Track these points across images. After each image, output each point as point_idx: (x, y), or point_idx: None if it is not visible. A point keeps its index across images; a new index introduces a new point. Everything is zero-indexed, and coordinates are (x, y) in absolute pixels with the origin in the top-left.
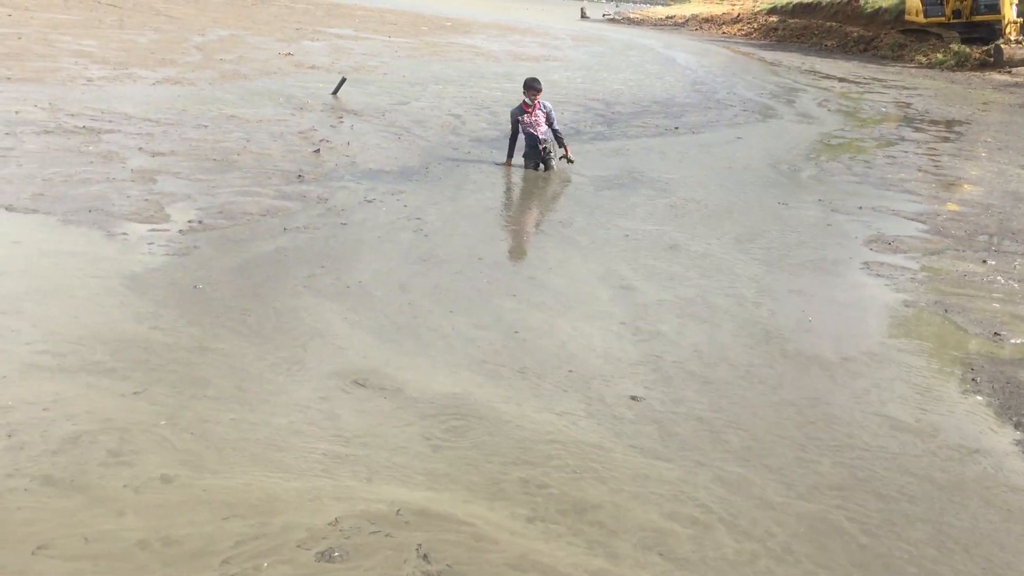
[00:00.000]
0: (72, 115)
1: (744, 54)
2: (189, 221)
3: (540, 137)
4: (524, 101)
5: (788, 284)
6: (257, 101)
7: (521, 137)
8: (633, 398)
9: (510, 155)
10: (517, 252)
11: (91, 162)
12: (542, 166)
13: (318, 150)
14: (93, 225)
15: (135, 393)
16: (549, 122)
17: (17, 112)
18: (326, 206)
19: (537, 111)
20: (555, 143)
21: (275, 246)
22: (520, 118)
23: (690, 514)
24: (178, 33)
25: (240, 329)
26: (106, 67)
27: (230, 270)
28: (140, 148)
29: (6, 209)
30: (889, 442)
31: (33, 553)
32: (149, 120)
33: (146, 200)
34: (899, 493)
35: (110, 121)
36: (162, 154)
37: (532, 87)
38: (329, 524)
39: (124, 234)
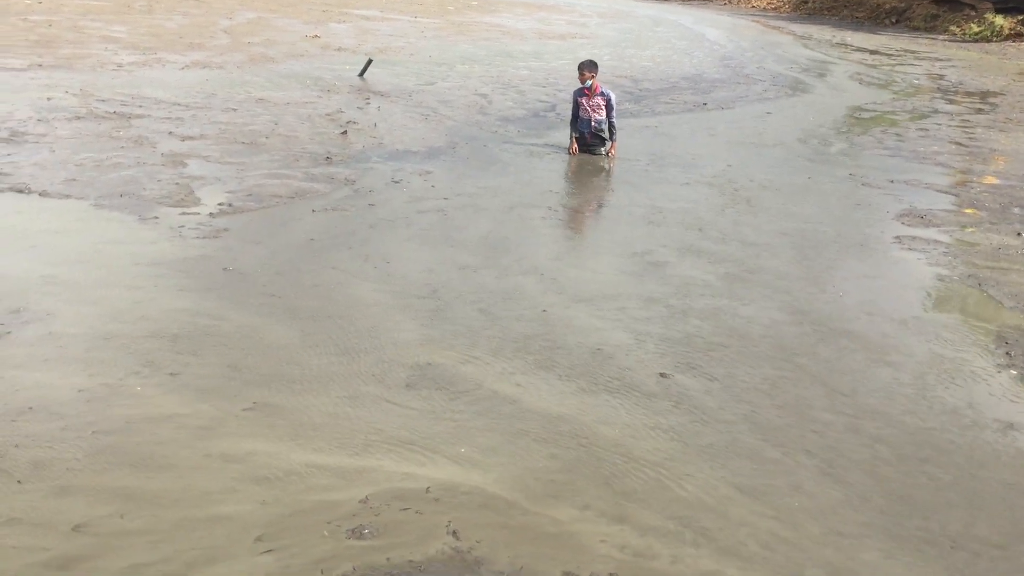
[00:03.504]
0: (103, 100)
1: (774, 28)
2: (219, 204)
3: (592, 125)
4: (583, 84)
5: (820, 259)
6: (285, 84)
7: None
8: (662, 375)
9: (571, 135)
10: (545, 231)
11: (122, 147)
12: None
13: (345, 132)
14: (125, 209)
15: (172, 375)
16: (608, 113)
17: (49, 98)
18: (354, 188)
19: (597, 96)
20: (606, 134)
21: (304, 228)
22: (580, 100)
23: (723, 493)
24: (206, 17)
25: (279, 314)
26: (135, 52)
27: (261, 253)
28: (170, 132)
29: (40, 195)
30: (922, 416)
31: (74, 529)
32: (178, 104)
33: (176, 184)
34: (931, 467)
35: (140, 106)
36: (192, 138)
37: (580, 70)
38: (360, 502)
39: (156, 218)
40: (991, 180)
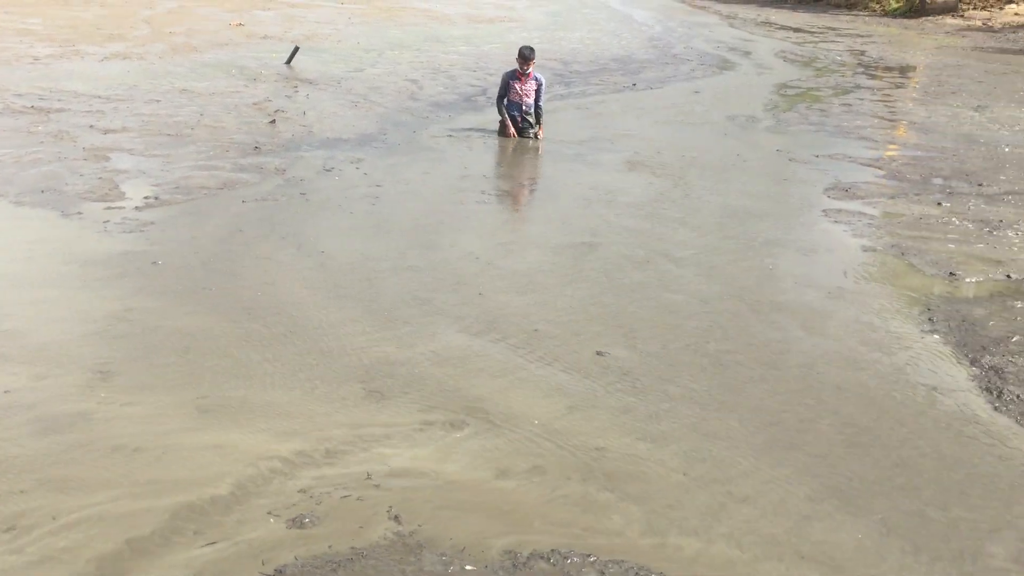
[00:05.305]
0: (19, 95)
1: (700, 8)
2: (145, 198)
3: (523, 109)
4: (517, 68)
5: (749, 234)
6: (209, 73)
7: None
8: (599, 353)
9: (502, 114)
10: (479, 215)
11: (41, 142)
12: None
13: (274, 121)
14: (47, 206)
15: (102, 373)
16: (537, 96)
17: None
18: (284, 177)
19: (530, 81)
20: (534, 117)
21: (235, 220)
22: (512, 83)
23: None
24: (124, 7)
25: (213, 309)
26: (52, 45)
27: (191, 246)
28: (91, 126)
29: None
30: (851, 381)
31: (8, 530)
32: (99, 97)
33: (100, 178)
34: (861, 429)
35: (59, 100)
36: (114, 131)
37: (521, 55)
38: (299, 491)
39: (79, 214)
40: (912, 152)
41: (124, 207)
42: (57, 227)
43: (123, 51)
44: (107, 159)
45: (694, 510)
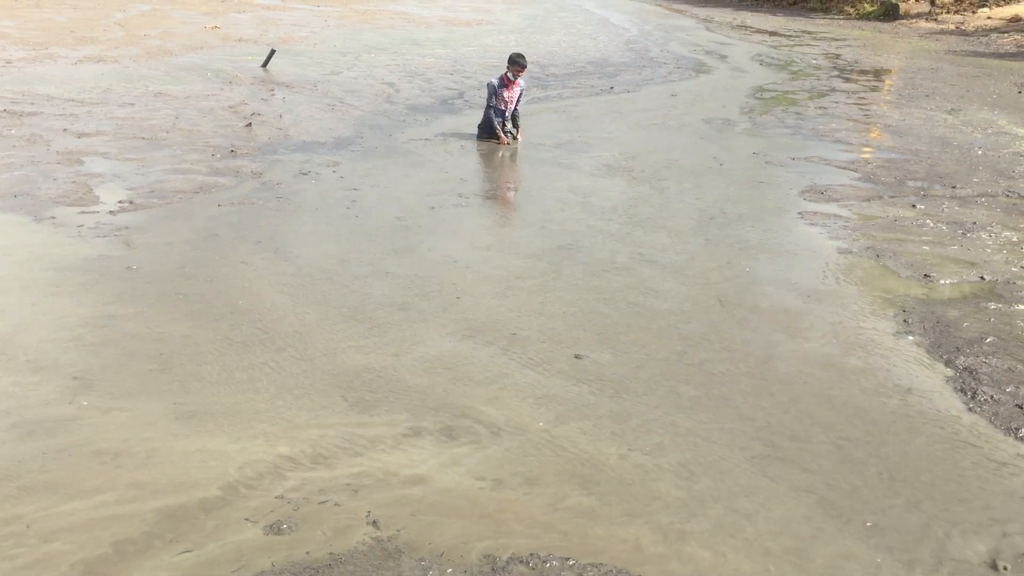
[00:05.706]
0: None
1: (677, 11)
2: (120, 202)
3: (507, 114)
4: (506, 75)
5: (727, 237)
6: (184, 77)
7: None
8: (577, 356)
9: (496, 128)
10: (457, 219)
11: (14, 146)
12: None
13: (250, 124)
14: (20, 211)
15: (82, 380)
16: (518, 101)
17: None
18: (261, 181)
19: (515, 87)
20: (511, 121)
21: (211, 224)
22: (500, 92)
23: (632, 460)
24: (98, 10)
25: (190, 315)
26: (25, 48)
27: (167, 251)
28: (65, 129)
29: None
30: (827, 384)
31: None
32: (73, 100)
33: (74, 182)
34: (838, 431)
35: (32, 103)
36: (88, 135)
37: (518, 63)
38: (277, 497)
39: (53, 218)
40: (886, 155)
41: (98, 211)
42: (31, 232)
43: (97, 54)
44: (81, 163)
45: (683, 520)
